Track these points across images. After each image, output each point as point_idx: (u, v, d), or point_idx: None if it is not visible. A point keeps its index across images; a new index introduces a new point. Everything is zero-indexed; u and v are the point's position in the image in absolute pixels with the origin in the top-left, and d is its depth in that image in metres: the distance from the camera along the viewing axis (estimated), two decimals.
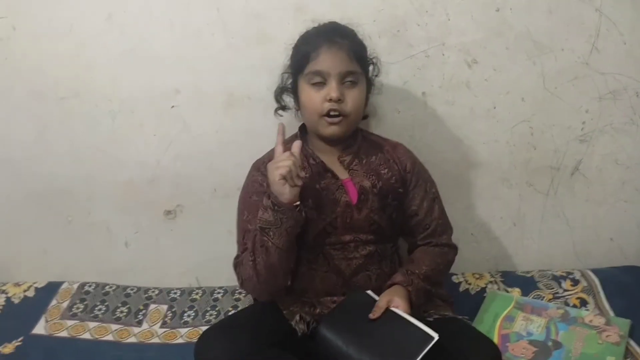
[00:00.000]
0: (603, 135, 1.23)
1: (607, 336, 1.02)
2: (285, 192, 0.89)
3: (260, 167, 1.01)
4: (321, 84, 0.96)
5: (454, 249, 1.06)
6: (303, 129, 1.05)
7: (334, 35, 0.96)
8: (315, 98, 0.96)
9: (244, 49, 1.18)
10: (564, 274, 1.22)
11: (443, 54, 1.19)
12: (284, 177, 0.87)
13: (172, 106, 1.24)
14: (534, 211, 1.28)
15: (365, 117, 1.09)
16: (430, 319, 0.96)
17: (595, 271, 1.22)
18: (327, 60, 0.95)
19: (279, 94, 1.06)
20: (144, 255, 1.33)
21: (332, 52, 0.95)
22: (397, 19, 1.17)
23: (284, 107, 1.07)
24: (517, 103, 1.22)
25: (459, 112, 1.23)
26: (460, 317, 1.02)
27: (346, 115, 0.97)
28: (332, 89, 0.95)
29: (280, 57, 1.06)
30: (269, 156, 0.98)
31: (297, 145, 0.92)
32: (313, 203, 0.97)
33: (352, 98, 0.96)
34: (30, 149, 1.28)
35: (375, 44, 1.17)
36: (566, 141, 1.24)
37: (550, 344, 1.03)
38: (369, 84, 1.04)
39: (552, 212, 1.28)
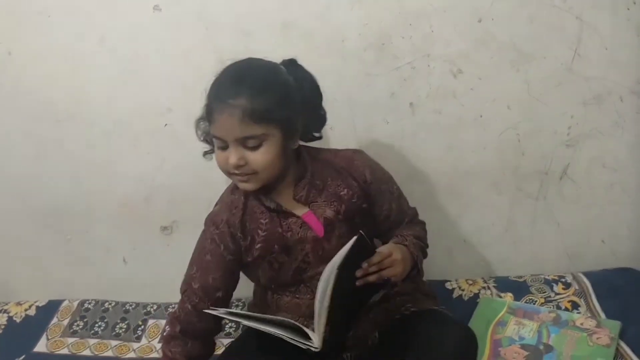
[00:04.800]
0: (589, 139, 1.24)
1: (597, 338, 1.04)
2: None
3: (215, 221, 0.99)
4: (224, 147, 0.91)
5: (423, 222, 1.09)
6: None
7: (228, 96, 0.88)
8: (221, 158, 0.92)
9: None
10: (556, 278, 1.23)
11: (428, 65, 1.21)
12: None
13: (165, 124, 1.26)
14: (524, 216, 1.30)
15: (319, 138, 1.02)
16: (407, 312, 0.98)
17: (586, 274, 1.23)
18: (221, 127, 0.89)
19: (202, 135, 0.99)
20: (142, 271, 1.35)
21: (224, 118, 0.88)
22: (381, 32, 1.19)
23: (211, 151, 0.99)
24: (503, 110, 1.24)
25: (446, 121, 1.24)
26: (440, 308, 1.04)
27: (254, 173, 0.92)
28: (230, 155, 0.90)
29: None
30: (222, 210, 0.99)
31: None
32: (280, 248, 0.97)
33: (256, 160, 0.90)
34: (30, 169, 1.32)
35: (361, 57, 1.20)
36: (553, 146, 1.25)
37: (541, 347, 1.04)
38: (290, 129, 0.93)
39: (542, 217, 1.29)
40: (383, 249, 0.91)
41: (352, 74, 1.20)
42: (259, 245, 0.97)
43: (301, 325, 0.84)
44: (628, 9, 1.17)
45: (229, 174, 0.94)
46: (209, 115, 0.92)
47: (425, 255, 1.05)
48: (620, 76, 1.20)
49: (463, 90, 1.23)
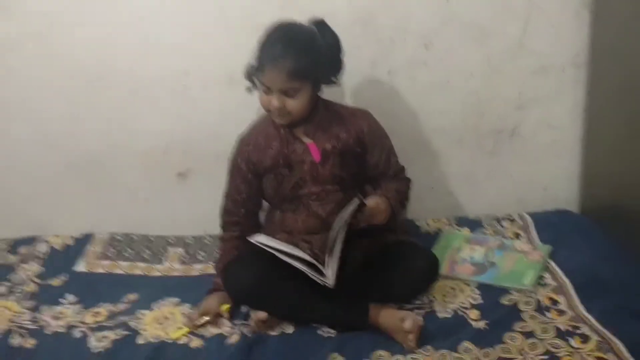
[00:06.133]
0: (536, 103, 1.49)
1: (531, 257, 1.30)
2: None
3: (243, 140, 1.29)
4: (268, 92, 1.17)
5: (409, 180, 1.34)
6: None
7: (279, 55, 1.13)
8: (264, 99, 1.19)
9: (242, 37, 1.36)
10: (505, 217, 1.49)
11: (404, 39, 1.44)
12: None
13: (183, 85, 1.48)
14: (482, 167, 1.54)
15: (335, 83, 1.27)
16: (387, 242, 1.24)
17: (530, 214, 1.49)
18: (270, 78, 1.15)
19: (249, 74, 1.23)
20: (161, 209, 1.57)
21: (274, 72, 1.14)
22: (366, 10, 1.41)
23: (254, 87, 1.24)
24: (467, 78, 1.47)
25: (419, 86, 1.47)
26: (411, 239, 1.30)
27: (289, 113, 1.19)
28: (273, 100, 1.16)
29: None
30: (250, 133, 1.27)
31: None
32: (284, 163, 1.24)
33: (292, 105, 1.17)
34: (65, 124, 1.51)
35: (349, 31, 1.41)
36: (506, 109, 1.49)
37: (487, 264, 1.31)
38: (316, 86, 1.21)
39: (497, 168, 1.54)
40: (371, 202, 1.16)
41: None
42: (269, 159, 1.24)
43: (318, 264, 1.08)
44: None
45: (268, 110, 1.20)
46: (260, 66, 1.18)
47: (403, 206, 1.31)
48: (563, 51, 1.45)
49: (434, 60, 1.45)
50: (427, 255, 1.23)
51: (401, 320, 1.08)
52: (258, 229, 1.32)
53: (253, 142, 1.28)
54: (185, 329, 1.17)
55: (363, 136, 1.27)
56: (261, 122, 1.30)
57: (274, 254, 1.12)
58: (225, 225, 1.32)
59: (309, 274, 1.09)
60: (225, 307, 1.20)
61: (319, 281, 1.09)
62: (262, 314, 1.13)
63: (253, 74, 1.22)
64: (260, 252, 1.14)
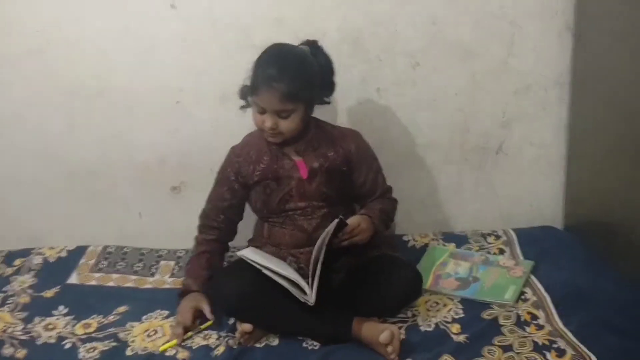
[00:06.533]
0: (520, 121, 1.53)
1: (513, 272, 1.33)
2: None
3: (234, 151, 1.34)
4: (262, 112, 1.21)
5: (395, 200, 1.39)
6: None
7: (273, 79, 1.17)
8: (258, 118, 1.23)
9: (235, 54, 1.45)
10: (490, 232, 1.52)
11: (393, 58, 1.48)
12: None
13: (177, 101, 1.52)
14: (469, 183, 1.58)
15: (327, 103, 1.32)
16: (371, 256, 1.26)
17: (515, 230, 1.52)
18: (264, 99, 1.19)
19: (243, 93, 1.28)
20: (154, 223, 1.61)
21: (268, 94, 1.18)
22: (355, 30, 1.46)
23: (247, 106, 1.29)
24: (453, 97, 1.51)
25: (407, 103, 1.52)
26: (396, 254, 1.33)
27: (281, 133, 1.23)
28: (267, 120, 1.20)
29: None
30: (243, 145, 1.32)
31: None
32: (272, 177, 1.28)
33: (284, 126, 1.22)
34: (63, 139, 1.55)
35: (339, 50, 1.46)
36: (491, 126, 1.53)
37: (470, 279, 1.33)
38: (309, 107, 1.26)
39: (483, 184, 1.58)
40: (353, 221, 1.20)
41: None
42: (258, 172, 1.29)
43: (301, 284, 1.12)
44: (552, 17, 1.45)
45: (261, 130, 1.25)
46: (254, 87, 1.21)
47: (387, 226, 1.34)
48: (545, 71, 1.49)
49: (421, 79, 1.50)
50: (409, 270, 1.25)
51: (380, 332, 1.10)
52: (234, 235, 1.37)
53: (244, 155, 1.32)
54: (174, 342, 1.20)
55: (350, 156, 1.31)
56: (253, 137, 1.34)
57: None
58: (202, 228, 1.35)
59: (292, 291, 1.12)
60: (204, 326, 1.23)
61: (301, 299, 1.12)
62: (247, 326, 1.16)
63: (247, 93, 1.26)
64: (246, 263, 1.17)
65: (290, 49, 1.25)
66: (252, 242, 1.35)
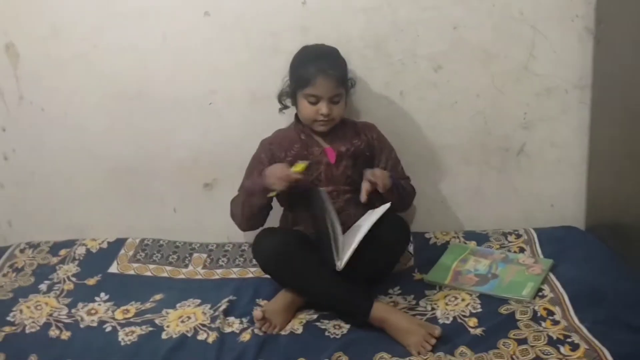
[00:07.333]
0: (541, 123, 1.55)
1: (532, 270, 1.36)
2: (275, 186, 1.32)
3: (267, 141, 1.47)
4: (315, 102, 1.36)
5: (413, 188, 1.49)
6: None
7: (328, 68, 1.34)
8: (310, 110, 1.37)
9: (264, 59, 1.54)
10: (511, 231, 1.55)
11: (415, 62, 1.53)
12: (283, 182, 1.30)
13: (210, 103, 1.61)
14: (490, 184, 1.61)
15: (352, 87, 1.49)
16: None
17: (536, 229, 1.54)
18: (322, 88, 1.34)
19: (280, 97, 1.46)
20: (188, 218, 1.70)
21: (326, 82, 1.34)
22: (378, 36, 1.52)
23: (285, 107, 1.47)
24: (473, 99, 1.55)
25: (428, 106, 1.56)
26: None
27: (332, 120, 1.39)
28: (323, 107, 1.35)
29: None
30: (274, 136, 1.44)
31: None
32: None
33: (336, 110, 1.38)
34: (104, 138, 1.66)
35: (363, 55, 1.53)
36: (512, 128, 1.56)
37: (489, 275, 1.37)
38: (348, 92, 1.45)
39: (503, 185, 1.60)
40: (376, 170, 1.36)
41: (355, 67, 1.52)
42: (289, 158, 1.40)
43: (339, 247, 1.24)
44: (572, 20, 1.48)
45: (312, 121, 1.39)
46: (305, 81, 1.35)
47: (400, 196, 1.42)
48: (566, 73, 1.51)
49: (442, 82, 1.54)
50: (399, 219, 1.35)
51: (420, 326, 1.17)
52: (263, 221, 1.46)
53: (277, 143, 1.45)
54: (304, 163, 1.34)
55: (373, 142, 1.46)
56: (283, 131, 1.49)
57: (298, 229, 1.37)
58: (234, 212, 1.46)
59: (332, 248, 1.23)
60: (300, 166, 1.34)
61: (334, 260, 1.23)
62: (257, 313, 1.25)
63: (289, 94, 1.42)
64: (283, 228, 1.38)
65: (323, 45, 1.44)
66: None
